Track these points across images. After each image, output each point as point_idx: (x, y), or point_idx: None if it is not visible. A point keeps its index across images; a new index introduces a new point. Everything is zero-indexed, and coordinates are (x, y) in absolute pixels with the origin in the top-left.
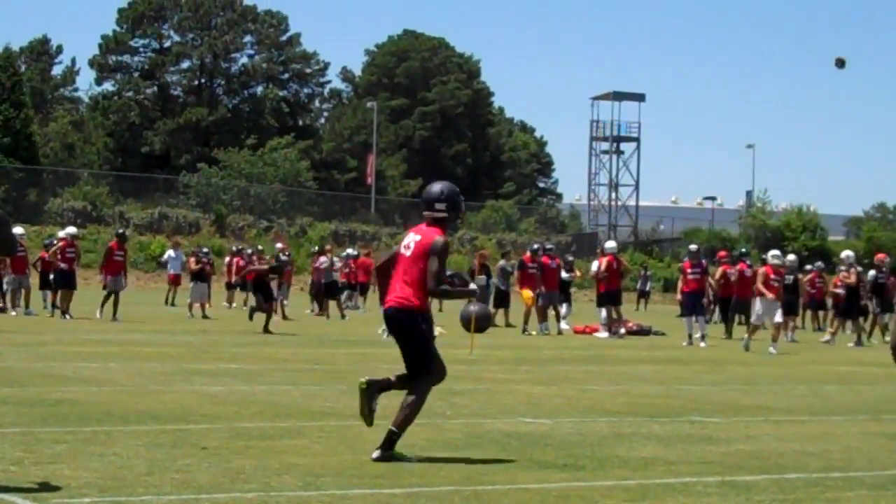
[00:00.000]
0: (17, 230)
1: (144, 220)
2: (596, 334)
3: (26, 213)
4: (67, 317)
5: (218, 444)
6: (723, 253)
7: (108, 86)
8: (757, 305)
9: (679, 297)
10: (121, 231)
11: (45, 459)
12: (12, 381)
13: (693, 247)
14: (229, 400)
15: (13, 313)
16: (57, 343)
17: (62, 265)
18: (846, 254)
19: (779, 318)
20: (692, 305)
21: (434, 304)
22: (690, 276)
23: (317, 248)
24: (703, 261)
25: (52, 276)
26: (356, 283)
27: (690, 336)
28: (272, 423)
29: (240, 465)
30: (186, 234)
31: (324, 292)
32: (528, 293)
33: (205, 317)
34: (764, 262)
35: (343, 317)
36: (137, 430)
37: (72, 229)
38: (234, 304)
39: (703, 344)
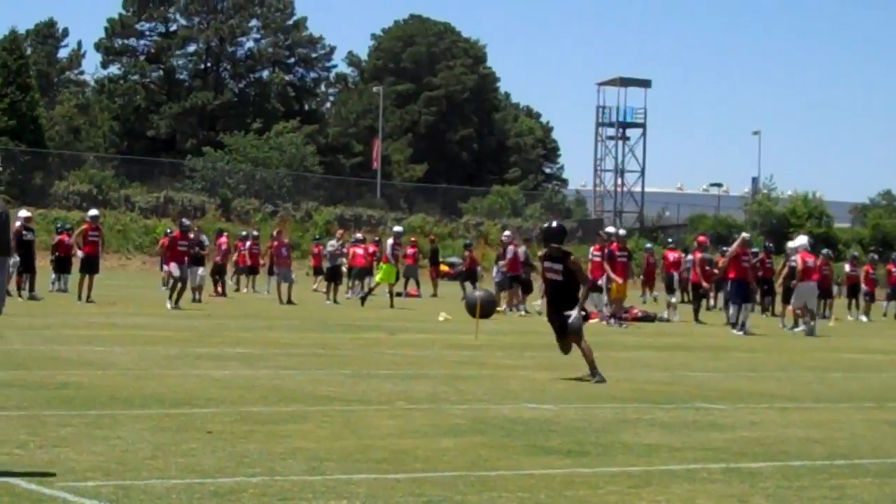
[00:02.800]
0: (24, 213)
1: (150, 203)
2: (600, 321)
3: (32, 197)
4: (85, 301)
5: (223, 428)
6: (702, 238)
7: (114, 69)
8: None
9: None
10: (185, 222)
11: (50, 443)
12: (18, 364)
13: (746, 235)
14: (234, 384)
15: (19, 299)
16: (62, 326)
17: (85, 249)
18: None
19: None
20: (743, 293)
21: (432, 289)
22: (744, 263)
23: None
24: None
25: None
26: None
27: (740, 323)
28: (277, 407)
29: (244, 450)
30: (192, 218)
31: (327, 276)
32: (619, 281)
33: (197, 300)
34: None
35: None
36: (142, 413)
37: (94, 212)
38: (245, 289)
39: (738, 332)
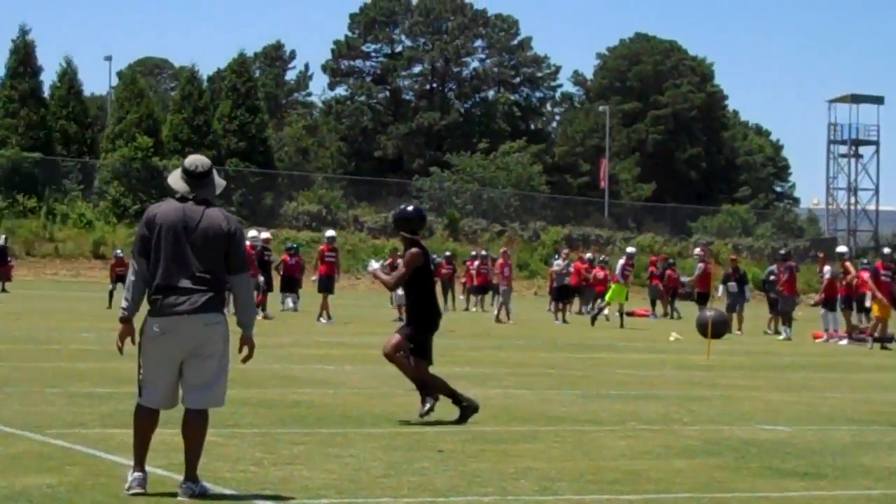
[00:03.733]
0: (255, 233)
1: (378, 223)
2: (840, 342)
3: (262, 217)
4: (322, 320)
5: (454, 447)
6: None
7: (340, 90)
8: None
9: None
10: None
11: (283, 460)
12: (251, 382)
13: None
14: None
15: (259, 315)
16: (294, 345)
17: (321, 269)
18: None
19: None
20: None
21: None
22: None
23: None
24: None
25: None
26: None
27: None
28: (508, 426)
29: (476, 469)
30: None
31: (554, 296)
32: (884, 301)
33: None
34: None
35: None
36: (373, 432)
37: (331, 232)
38: (475, 308)
39: None
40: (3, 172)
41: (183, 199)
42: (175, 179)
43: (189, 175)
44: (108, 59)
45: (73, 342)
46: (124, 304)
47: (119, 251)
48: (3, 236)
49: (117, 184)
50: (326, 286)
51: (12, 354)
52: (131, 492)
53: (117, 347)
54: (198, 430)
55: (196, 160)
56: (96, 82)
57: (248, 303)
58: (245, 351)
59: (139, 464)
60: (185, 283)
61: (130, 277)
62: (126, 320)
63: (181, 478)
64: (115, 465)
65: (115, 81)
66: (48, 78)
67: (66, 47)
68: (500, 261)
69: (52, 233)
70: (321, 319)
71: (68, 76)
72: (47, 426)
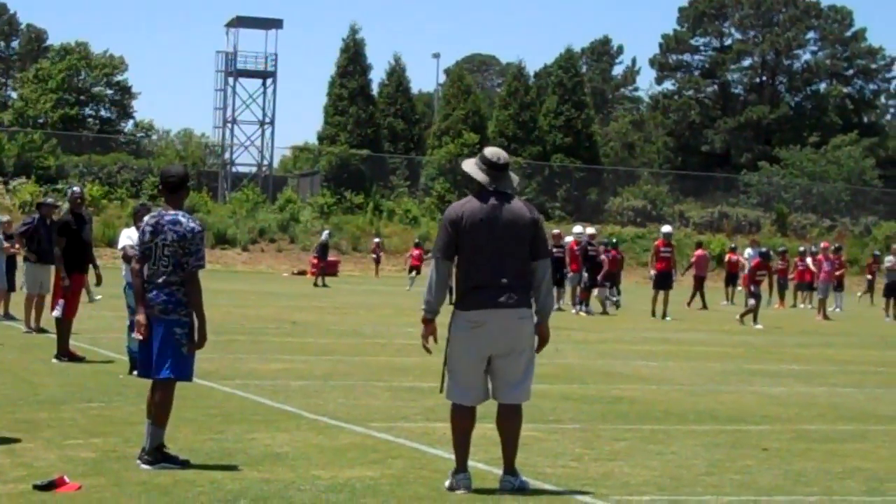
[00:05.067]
0: (580, 229)
1: (704, 219)
2: None
3: (586, 212)
4: (668, 318)
5: (778, 445)
6: None
7: (668, 85)
8: None
9: None
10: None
11: (604, 456)
12: (573, 378)
13: None
14: (790, 401)
15: (572, 311)
16: (616, 341)
17: (657, 266)
18: None
19: None
20: None
21: None
22: None
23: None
24: None
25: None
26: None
27: None
28: (834, 425)
29: (801, 468)
30: (746, 234)
31: (885, 293)
32: None
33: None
34: None
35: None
36: (696, 429)
37: (667, 228)
38: (803, 305)
39: None
40: (332, 169)
41: (480, 194)
42: (473, 169)
43: (490, 166)
44: (436, 56)
45: (397, 337)
46: (427, 305)
47: None
48: (327, 231)
49: (442, 180)
50: (662, 283)
51: (337, 348)
52: (457, 492)
53: (424, 349)
54: (513, 424)
55: (498, 151)
56: (424, 79)
57: (548, 291)
58: (537, 341)
59: (462, 464)
60: (500, 279)
61: (433, 278)
62: (430, 321)
63: (501, 472)
64: (438, 458)
65: (442, 78)
66: (377, 76)
67: (395, 45)
68: (820, 256)
69: (378, 229)
70: (667, 318)
71: (397, 74)
72: (371, 419)
